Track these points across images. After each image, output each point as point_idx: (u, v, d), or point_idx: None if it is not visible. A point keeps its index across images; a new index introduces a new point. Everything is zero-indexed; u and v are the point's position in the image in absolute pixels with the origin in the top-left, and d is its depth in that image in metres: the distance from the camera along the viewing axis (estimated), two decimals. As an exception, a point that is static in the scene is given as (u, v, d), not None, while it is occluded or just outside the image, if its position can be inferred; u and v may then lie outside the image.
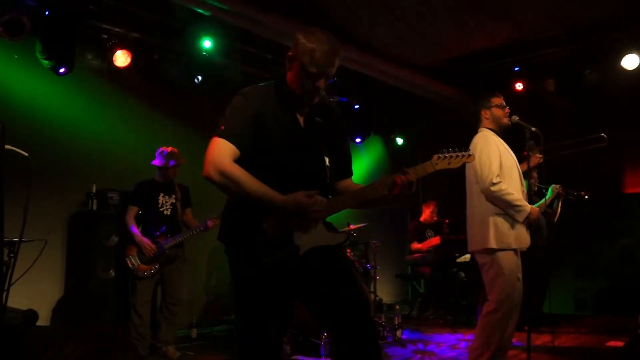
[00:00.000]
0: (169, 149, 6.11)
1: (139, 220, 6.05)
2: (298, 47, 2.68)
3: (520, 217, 4.60)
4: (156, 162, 6.09)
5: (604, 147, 6.14)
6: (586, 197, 6.88)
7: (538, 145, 5.68)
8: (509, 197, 4.58)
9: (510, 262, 4.63)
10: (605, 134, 5.95)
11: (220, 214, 5.93)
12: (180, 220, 6.24)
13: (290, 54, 2.73)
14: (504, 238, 4.61)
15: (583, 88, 8.43)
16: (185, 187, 6.37)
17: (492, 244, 4.62)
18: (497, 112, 4.88)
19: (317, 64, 2.65)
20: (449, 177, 4.25)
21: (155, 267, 5.92)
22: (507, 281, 4.61)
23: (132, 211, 6.04)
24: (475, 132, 4.96)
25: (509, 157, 4.79)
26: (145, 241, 5.88)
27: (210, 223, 6.08)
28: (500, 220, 4.63)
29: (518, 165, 4.85)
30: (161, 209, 6.10)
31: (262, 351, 2.74)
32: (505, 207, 4.60)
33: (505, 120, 4.86)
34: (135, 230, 5.93)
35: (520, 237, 4.67)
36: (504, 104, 4.92)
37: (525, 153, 5.55)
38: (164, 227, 6.03)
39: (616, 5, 7.05)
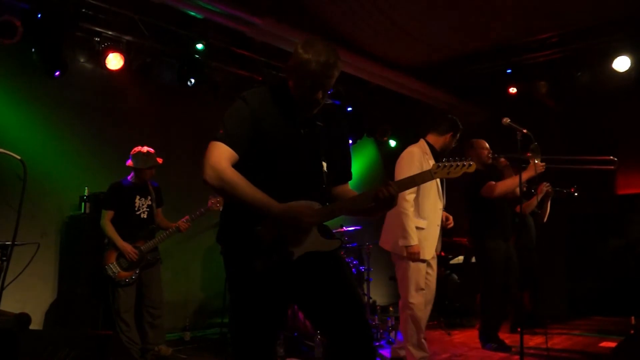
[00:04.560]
0: (145, 149, 5.93)
1: (115, 224, 5.85)
2: (295, 58, 2.66)
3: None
4: (130, 163, 5.89)
5: (598, 148, 6.19)
6: (576, 193, 6.90)
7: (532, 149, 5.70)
8: (406, 220, 5.02)
9: (415, 264, 5.12)
10: (597, 135, 6.01)
11: (191, 215, 5.97)
12: (156, 223, 6.15)
13: (288, 63, 2.72)
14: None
15: (575, 90, 8.46)
16: (157, 186, 6.23)
17: (398, 250, 5.13)
18: (444, 140, 5.35)
19: (313, 76, 2.63)
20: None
21: (136, 273, 5.82)
22: (414, 280, 5.12)
23: (109, 215, 5.84)
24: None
25: None
26: (128, 247, 5.76)
27: (182, 225, 5.99)
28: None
29: (439, 186, 5.26)
30: (138, 212, 5.96)
31: (256, 353, 2.74)
32: (400, 221, 5.03)
33: (446, 153, 5.28)
34: (116, 235, 5.78)
35: (425, 249, 5.14)
36: (450, 142, 5.39)
37: (529, 154, 5.63)
38: (142, 231, 5.95)
39: (607, 7, 7.09)
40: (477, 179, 6.18)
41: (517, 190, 6.33)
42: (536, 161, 5.86)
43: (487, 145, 6.33)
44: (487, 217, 6.24)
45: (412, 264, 5.10)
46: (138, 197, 5.98)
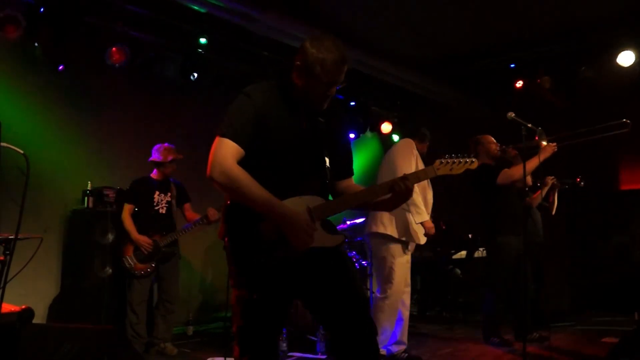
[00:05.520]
0: (166, 144, 6.10)
1: (134, 218, 6.01)
2: (307, 56, 2.67)
3: (417, 219, 5.30)
4: (153, 157, 6.07)
5: (601, 143, 6.16)
6: (582, 183, 6.87)
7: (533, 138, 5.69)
8: (417, 198, 5.28)
9: (401, 253, 5.40)
10: (607, 124, 5.97)
11: (219, 206, 6.02)
12: (175, 218, 6.24)
13: (298, 63, 2.72)
14: (406, 231, 5.35)
15: (579, 85, 8.43)
16: (180, 184, 6.35)
17: (394, 233, 5.36)
18: (422, 147, 5.71)
19: (329, 74, 2.67)
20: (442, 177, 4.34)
21: (152, 266, 5.94)
22: (399, 271, 5.37)
23: (128, 209, 6.02)
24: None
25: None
26: (142, 238, 5.89)
27: (211, 212, 5.92)
28: (404, 214, 5.33)
29: (428, 180, 5.50)
30: (157, 207, 6.09)
31: (260, 348, 2.75)
32: (410, 204, 5.24)
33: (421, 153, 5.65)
34: (132, 228, 5.92)
35: (419, 235, 5.42)
36: (424, 150, 5.72)
37: (537, 138, 5.66)
38: (159, 225, 6.03)
39: (611, 2, 7.06)
40: (488, 173, 6.18)
41: (529, 179, 6.35)
42: (544, 143, 5.89)
43: (493, 139, 6.35)
44: (498, 211, 6.21)
45: (401, 256, 5.40)
46: (158, 192, 6.12)
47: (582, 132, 6.13)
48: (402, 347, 5.52)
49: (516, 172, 6.07)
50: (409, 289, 5.61)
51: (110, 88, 7.02)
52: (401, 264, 5.43)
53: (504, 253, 6.16)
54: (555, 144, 5.93)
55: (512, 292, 6.23)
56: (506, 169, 6.14)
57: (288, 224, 2.60)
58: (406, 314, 5.54)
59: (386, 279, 5.42)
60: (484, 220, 6.42)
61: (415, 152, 5.55)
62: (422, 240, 5.46)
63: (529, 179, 6.38)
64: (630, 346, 4.50)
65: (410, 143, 5.64)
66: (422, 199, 5.45)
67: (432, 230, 5.35)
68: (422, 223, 5.33)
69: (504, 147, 6.30)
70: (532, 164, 5.84)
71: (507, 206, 6.20)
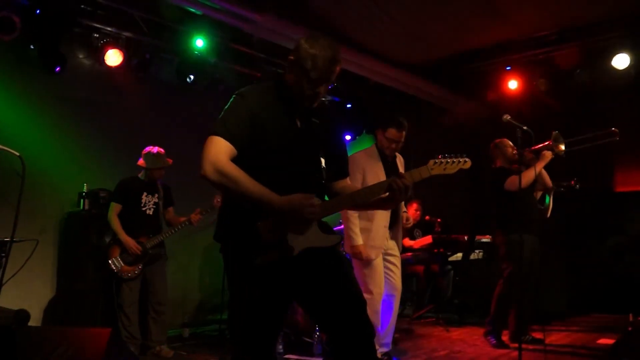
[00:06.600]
0: (155, 149, 6.03)
1: (120, 218, 5.95)
2: (300, 52, 2.69)
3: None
4: (141, 162, 6.03)
5: (596, 146, 6.19)
6: (577, 186, 6.90)
7: (530, 144, 5.71)
8: (347, 224, 5.24)
9: (369, 262, 5.29)
10: (596, 133, 6.01)
11: (203, 209, 6.04)
12: (162, 220, 6.23)
13: (291, 58, 2.74)
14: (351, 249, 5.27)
15: (574, 87, 8.44)
16: (167, 186, 6.32)
17: (349, 250, 5.28)
18: (384, 141, 5.43)
19: (319, 71, 2.67)
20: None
21: (139, 268, 5.89)
22: (369, 277, 5.28)
23: (116, 208, 5.95)
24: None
25: (381, 178, 5.20)
26: (131, 241, 5.84)
27: (194, 217, 6.08)
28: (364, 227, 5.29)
29: None
30: (143, 208, 6.05)
31: (256, 350, 2.75)
32: (346, 223, 5.25)
33: (387, 152, 5.47)
34: (120, 229, 5.87)
35: (371, 250, 5.30)
36: (396, 140, 5.41)
37: (550, 142, 5.70)
38: (146, 227, 6.01)
39: (606, 5, 7.08)
40: (503, 176, 6.24)
41: (548, 181, 6.39)
42: (562, 147, 6.01)
43: (511, 143, 6.38)
44: (513, 211, 6.20)
45: (366, 263, 5.32)
46: (145, 193, 6.08)
47: (590, 137, 6.22)
48: (384, 350, 5.46)
49: (524, 177, 6.07)
50: (395, 292, 5.53)
51: (106, 90, 7.00)
52: (371, 270, 5.33)
53: (516, 251, 6.14)
54: (551, 152, 6.01)
55: (518, 291, 6.24)
56: (513, 176, 6.14)
57: (288, 206, 2.61)
58: (378, 319, 5.39)
59: (362, 284, 5.37)
60: (498, 220, 6.44)
61: (364, 164, 5.35)
62: (373, 255, 5.35)
63: (548, 181, 6.42)
64: (626, 347, 4.52)
65: (351, 160, 5.52)
66: (373, 221, 5.33)
67: (359, 257, 5.24)
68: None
69: (520, 150, 6.32)
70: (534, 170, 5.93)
71: (521, 205, 6.20)
